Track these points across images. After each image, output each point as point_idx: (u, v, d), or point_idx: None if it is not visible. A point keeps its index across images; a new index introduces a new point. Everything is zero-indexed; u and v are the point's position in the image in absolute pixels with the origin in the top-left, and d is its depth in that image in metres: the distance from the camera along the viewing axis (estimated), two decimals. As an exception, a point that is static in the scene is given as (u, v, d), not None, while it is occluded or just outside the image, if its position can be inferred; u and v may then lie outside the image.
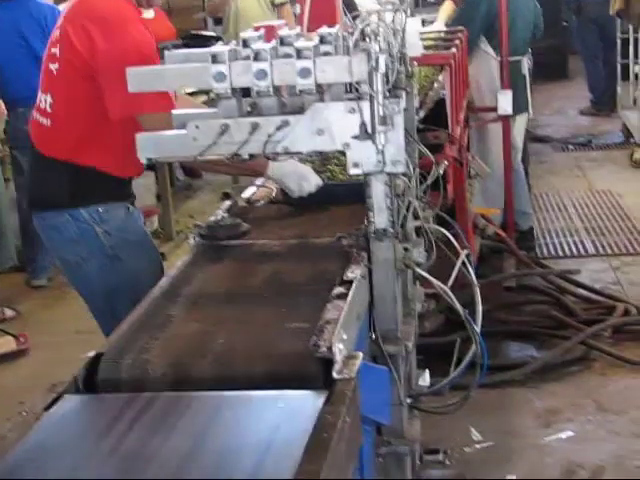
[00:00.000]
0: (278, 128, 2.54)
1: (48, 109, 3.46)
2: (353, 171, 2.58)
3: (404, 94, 2.64)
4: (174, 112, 2.83)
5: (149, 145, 2.70)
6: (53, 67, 3.45)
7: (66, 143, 3.39)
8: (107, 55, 3.27)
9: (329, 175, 3.61)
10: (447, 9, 6.86)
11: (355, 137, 2.52)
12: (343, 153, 2.65)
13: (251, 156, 2.59)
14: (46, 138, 3.48)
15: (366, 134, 2.51)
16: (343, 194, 3.40)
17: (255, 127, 2.54)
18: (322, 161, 3.72)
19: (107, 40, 3.30)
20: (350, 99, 2.56)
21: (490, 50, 6.10)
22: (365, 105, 2.48)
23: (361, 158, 2.56)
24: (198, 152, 2.58)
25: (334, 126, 2.53)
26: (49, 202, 3.48)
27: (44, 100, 3.49)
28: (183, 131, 2.60)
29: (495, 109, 5.91)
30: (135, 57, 3.12)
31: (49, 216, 3.48)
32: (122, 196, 3.50)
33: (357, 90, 2.50)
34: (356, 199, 3.06)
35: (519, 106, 6.19)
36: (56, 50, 3.44)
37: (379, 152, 2.54)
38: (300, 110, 2.60)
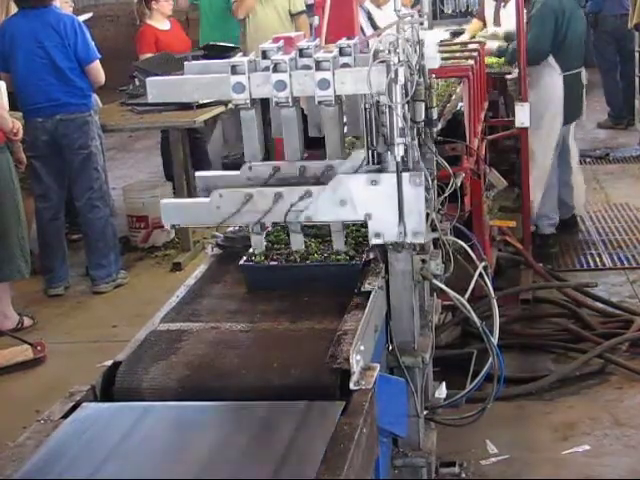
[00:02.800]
0: (301, 198, 2.55)
1: None
2: (375, 241, 2.62)
3: (423, 106, 2.66)
4: (197, 175, 2.86)
5: (174, 212, 2.73)
6: None
7: None
8: None
9: (302, 255, 2.86)
10: (475, 27, 7.41)
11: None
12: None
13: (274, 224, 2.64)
14: None
15: (384, 145, 2.51)
16: (321, 277, 2.79)
17: (278, 197, 2.56)
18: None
19: None
20: (370, 171, 2.57)
21: (555, 64, 6.25)
22: (385, 177, 2.52)
23: (383, 229, 2.59)
24: (222, 220, 2.61)
25: (356, 197, 2.56)
26: None
27: None
28: (207, 200, 2.63)
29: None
30: None
31: None
32: None
33: (379, 162, 2.54)
34: (336, 283, 2.74)
35: (575, 115, 6.48)
36: None
37: (401, 224, 2.56)
38: (321, 177, 2.64)
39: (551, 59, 6.25)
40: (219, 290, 2.84)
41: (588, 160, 9.18)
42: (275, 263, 2.83)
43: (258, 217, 2.60)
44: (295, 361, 2.28)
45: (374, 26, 6.96)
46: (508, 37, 6.65)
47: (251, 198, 2.57)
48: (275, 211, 2.57)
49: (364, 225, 3.05)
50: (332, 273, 2.76)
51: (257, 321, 2.56)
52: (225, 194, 2.60)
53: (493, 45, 6.54)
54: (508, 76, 6.70)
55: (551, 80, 6.28)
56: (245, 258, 2.87)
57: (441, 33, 6.86)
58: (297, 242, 2.73)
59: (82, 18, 7.00)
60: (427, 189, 2.89)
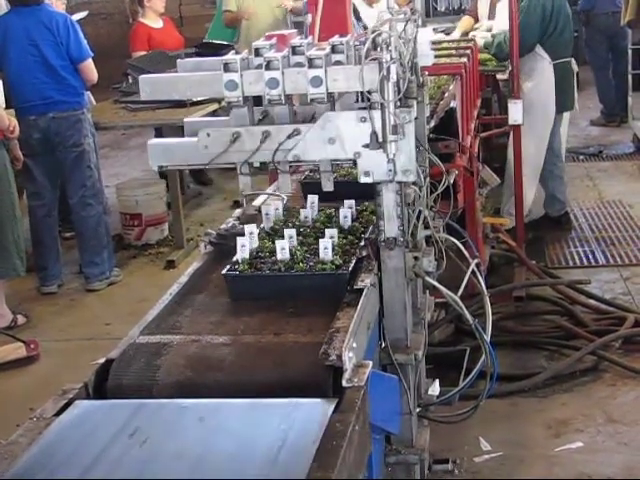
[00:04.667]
0: (289, 136, 2.54)
1: None
2: (364, 180, 2.58)
3: (415, 103, 2.65)
4: (186, 120, 2.84)
5: (160, 153, 2.71)
6: None
7: None
8: None
9: (287, 264, 2.76)
10: (466, 23, 7.38)
11: (366, 146, 2.53)
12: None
13: (262, 164, 2.61)
14: None
15: (377, 143, 2.51)
16: (306, 287, 2.69)
17: (266, 135, 2.54)
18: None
19: None
20: (361, 108, 2.56)
21: (544, 53, 6.33)
22: (376, 114, 2.49)
23: (372, 167, 2.56)
24: (209, 160, 2.59)
25: (345, 135, 2.54)
26: None
27: None
28: (194, 139, 2.61)
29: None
30: None
31: None
32: None
33: (368, 99, 2.51)
34: (322, 293, 2.65)
35: (568, 104, 6.58)
36: None
37: (390, 161, 2.54)
38: (311, 119, 2.60)
39: (539, 49, 6.31)
40: (202, 298, 2.78)
41: (581, 157, 9.20)
42: (259, 273, 2.74)
43: (246, 156, 2.57)
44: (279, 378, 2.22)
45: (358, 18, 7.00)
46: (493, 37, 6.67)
47: (239, 137, 2.55)
48: (263, 150, 2.55)
49: (351, 233, 3.00)
50: (318, 283, 2.67)
51: (240, 334, 2.48)
52: (213, 133, 2.57)
53: (480, 42, 6.55)
54: (499, 76, 6.73)
55: (542, 70, 6.33)
56: (228, 267, 2.78)
57: (432, 34, 6.84)
58: (286, 185, 2.68)
59: (77, 17, 6.99)
60: (419, 186, 2.90)
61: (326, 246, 2.76)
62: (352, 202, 3.15)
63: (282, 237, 2.89)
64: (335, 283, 2.66)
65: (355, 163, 2.59)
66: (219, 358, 2.33)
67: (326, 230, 2.89)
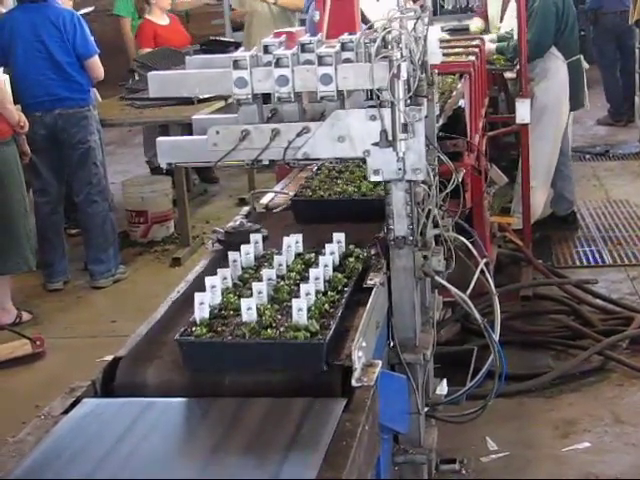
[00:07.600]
0: (298, 134, 2.53)
1: None
2: (373, 178, 2.57)
3: (425, 102, 2.64)
4: (194, 117, 2.83)
5: (169, 150, 2.70)
6: None
7: None
8: None
9: (253, 328, 2.27)
10: (478, 25, 7.48)
11: (375, 144, 2.51)
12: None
13: (271, 162, 2.59)
14: None
15: (387, 141, 2.50)
16: (275, 358, 2.21)
17: (276, 133, 2.53)
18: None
19: None
20: (371, 106, 2.55)
21: (558, 53, 6.36)
22: (386, 112, 2.48)
23: (381, 165, 2.55)
24: (218, 158, 2.58)
25: (354, 133, 2.53)
26: None
27: None
28: (203, 137, 2.60)
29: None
30: None
31: None
32: None
33: (378, 97, 2.49)
34: (293, 365, 2.19)
35: (579, 102, 6.62)
36: None
37: (399, 160, 2.53)
38: (321, 117, 2.59)
39: (554, 49, 6.33)
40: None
41: (588, 157, 9.18)
42: (219, 339, 2.24)
43: (255, 154, 2.55)
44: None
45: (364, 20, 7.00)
46: (501, 39, 6.66)
47: (248, 134, 2.54)
48: (272, 148, 2.53)
49: (332, 287, 2.52)
50: (288, 354, 2.20)
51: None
52: (222, 130, 2.56)
53: (491, 46, 6.54)
54: (507, 74, 6.72)
55: (556, 70, 6.34)
56: (183, 329, 2.30)
57: (441, 32, 6.84)
58: None
59: (82, 12, 6.99)
60: (429, 185, 2.89)
61: (300, 307, 2.27)
62: (334, 247, 2.71)
63: (250, 291, 2.44)
64: (309, 355, 2.19)
65: (364, 161, 2.58)
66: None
67: (301, 285, 2.41)
